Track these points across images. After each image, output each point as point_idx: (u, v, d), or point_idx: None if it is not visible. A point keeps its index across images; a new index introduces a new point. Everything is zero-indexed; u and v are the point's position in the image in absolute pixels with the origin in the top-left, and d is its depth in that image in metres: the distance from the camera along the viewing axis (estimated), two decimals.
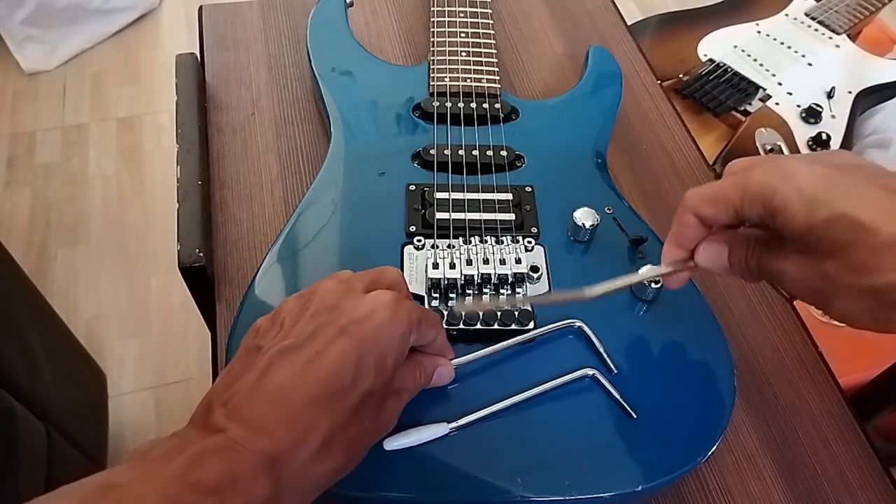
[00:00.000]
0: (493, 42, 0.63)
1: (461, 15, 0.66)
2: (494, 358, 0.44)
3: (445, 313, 0.45)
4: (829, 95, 1.08)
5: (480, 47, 0.63)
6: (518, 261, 0.46)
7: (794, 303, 0.55)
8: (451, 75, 0.60)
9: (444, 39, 0.63)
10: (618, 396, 0.42)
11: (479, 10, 0.66)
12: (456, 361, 0.42)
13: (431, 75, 0.60)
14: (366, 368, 0.33)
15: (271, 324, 0.35)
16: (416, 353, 0.39)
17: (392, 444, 0.39)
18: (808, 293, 0.33)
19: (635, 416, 0.42)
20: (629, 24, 0.77)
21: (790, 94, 1.08)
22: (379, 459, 0.39)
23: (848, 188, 0.31)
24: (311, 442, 0.31)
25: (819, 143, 1.01)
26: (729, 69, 1.11)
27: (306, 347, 0.32)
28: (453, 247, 0.48)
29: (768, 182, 0.33)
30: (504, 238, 0.48)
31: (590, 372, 0.43)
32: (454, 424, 0.40)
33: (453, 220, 0.50)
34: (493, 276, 0.46)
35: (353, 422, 0.32)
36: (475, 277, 0.46)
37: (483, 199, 0.51)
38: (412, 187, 0.52)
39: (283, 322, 0.35)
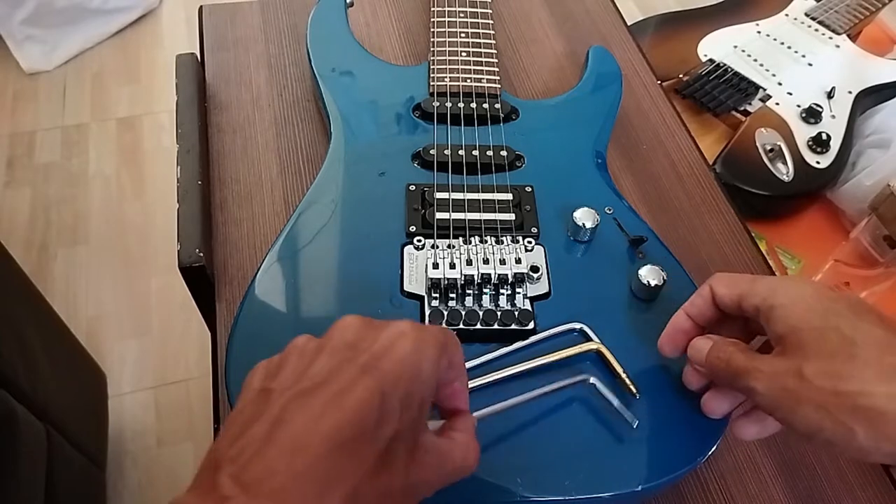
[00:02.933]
0: (493, 42, 0.63)
1: (461, 15, 0.66)
2: (495, 361, 0.44)
3: (446, 314, 0.45)
4: (830, 95, 1.08)
5: (480, 47, 0.63)
6: (518, 261, 0.46)
7: None
8: (451, 75, 0.60)
9: (444, 39, 0.63)
10: (617, 405, 0.42)
11: (479, 10, 0.66)
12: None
13: (431, 75, 0.60)
14: (391, 408, 0.29)
15: (281, 364, 0.31)
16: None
17: None
18: (776, 391, 0.34)
19: (634, 426, 0.42)
20: (629, 24, 0.77)
21: (790, 94, 1.08)
22: None
23: (843, 308, 0.35)
24: (333, 498, 0.26)
25: (819, 143, 1.01)
26: (729, 69, 1.11)
27: (325, 389, 0.28)
28: (453, 247, 0.48)
29: (776, 282, 0.38)
30: (504, 238, 0.48)
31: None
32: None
33: (453, 220, 0.50)
34: (493, 276, 0.46)
35: (382, 472, 0.28)
36: (475, 277, 0.46)
37: (483, 199, 0.51)
38: (412, 187, 0.52)
39: (296, 362, 0.31)
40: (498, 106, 0.58)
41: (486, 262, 0.46)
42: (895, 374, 0.32)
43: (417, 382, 0.30)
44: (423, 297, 0.46)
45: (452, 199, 0.51)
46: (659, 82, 0.70)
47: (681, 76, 1.10)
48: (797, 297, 0.36)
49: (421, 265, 0.48)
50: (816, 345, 0.34)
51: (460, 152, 0.54)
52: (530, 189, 0.53)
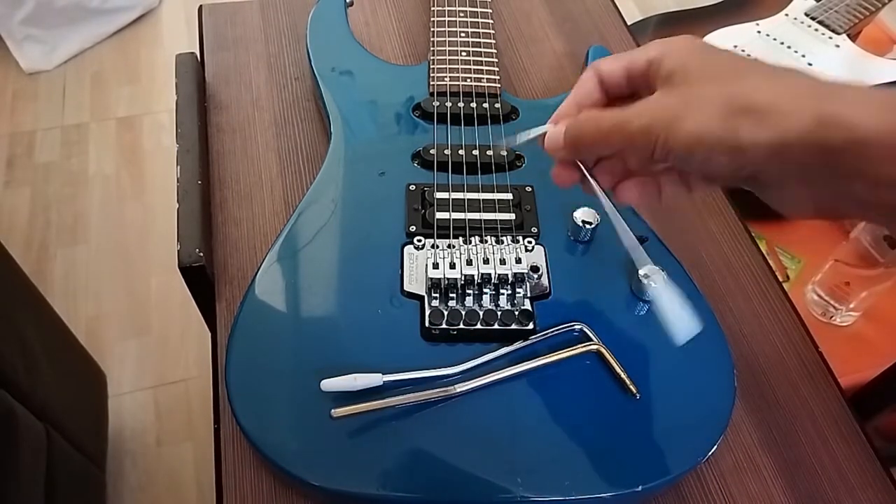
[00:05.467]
0: (493, 42, 0.63)
1: (461, 15, 0.65)
2: (495, 361, 0.44)
3: (446, 314, 0.45)
4: None
5: (480, 47, 0.63)
6: (518, 260, 0.46)
7: (794, 303, 0.55)
8: (451, 75, 0.60)
9: (444, 39, 0.63)
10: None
11: (479, 9, 0.66)
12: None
13: (431, 75, 0.60)
14: None
15: None
16: None
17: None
18: (657, 119, 0.33)
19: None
20: (629, 24, 0.77)
21: None
22: (379, 459, 0.39)
23: (727, 53, 0.34)
24: None
25: None
26: None
27: None
28: (453, 247, 0.48)
29: (662, 43, 0.36)
30: (504, 238, 0.48)
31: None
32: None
33: (453, 219, 0.50)
34: (493, 276, 0.46)
35: None
36: (475, 277, 0.46)
37: (483, 199, 0.51)
38: (412, 187, 0.52)
39: None
40: (498, 106, 0.58)
41: (486, 261, 0.46)
42: (784, 74, 0.31)
43: None
44: (423, 296, 0.46)
45: (452, 199, 0.51)
46: None
47: None
48: (687, 44, 0.35)
49: (421, 265, 0.48)
50: (705, 69, 0.33)
51: (460, 152, 0.54)
52: (530, 189, 0.53)
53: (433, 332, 0.45)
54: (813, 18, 1.20)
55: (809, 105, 0.29)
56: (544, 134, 0.39)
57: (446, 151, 0.54)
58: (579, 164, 0.38)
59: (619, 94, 0.38)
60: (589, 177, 0.38)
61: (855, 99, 0.29)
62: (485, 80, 0.60)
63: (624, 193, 0.38)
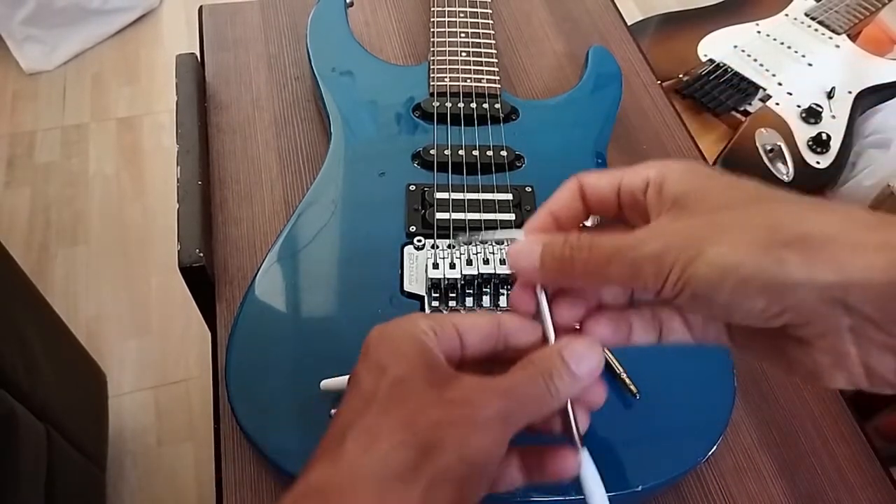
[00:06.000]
0: (493, 42, 0.63)
1: (461, 15, 0.65)
2: None
3: (446, 314, 0.45)
4: (830, 95, 1.08)
5: (480, 47, 0.63)
6: None
7: None
8: (451, 75, 0.60)
9: (444, 39, 0.63)
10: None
11: (479, 10, 0.66)
12: None
13: (431, 75, 0.60)
14: None
15: None
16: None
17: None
18: (677, 245, 0.26)
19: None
20: (629, 24, 0.77)
21: (790, 94, 1.08)
22: None
23: (733, 184, 0.29)
24: None
25: (819, 143, 1.01)
26: (729, 69, 1.11)
27: None
28: (453, 247, 0.48)
29: (661, 164, 0.30)
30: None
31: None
32: None
33: (453, 220, 0.50)
34: (493, 277, 0.46)
35: None
36: (475, 277, 0.46)
37: (483, 200, 0.51)
38: (412, 187, 0.52)
39: None
40: (498, 106, 0.58)
41: (486, 262, 0.46)
42: (824, 207, 0.26)
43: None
44: (423, 297, 0.46)
45: (452, 200, 0.51)
46: (659, 82, 0.70)
47: (681, 76, 1.10)
48: (694, 167, 0.29)
49: (421, 265, 0.48)
50: (729, 195, 0.27)
51: (460, 152, 0.54)
52: (530, 189, 0.53)
53: None
54: (813, 18, 1.20)
55: (875, 238, 0.24)
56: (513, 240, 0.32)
57: (446, 152, 0.54)
58: (539, 291, 0.31)
59: (602, 211, 0.32)
60: (545, 310, 0.31)
61: None
62: (485, 81, 0.60)
63: (595, 329, 0.31)
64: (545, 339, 0.31)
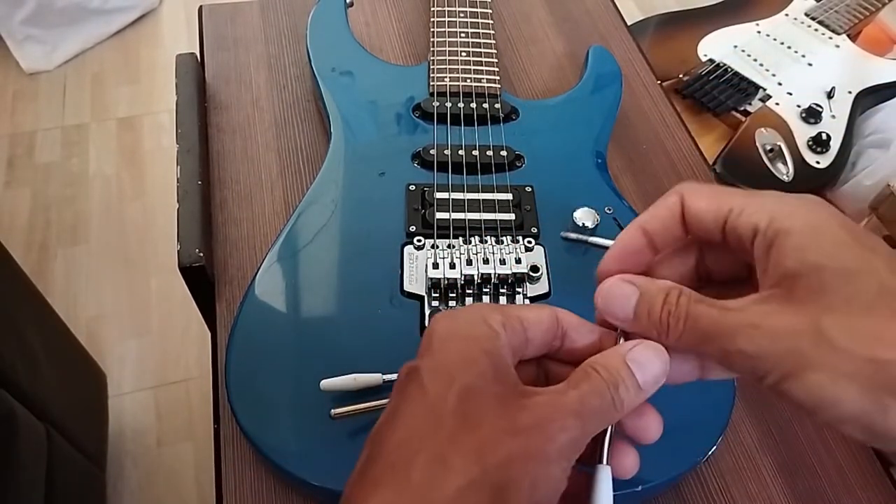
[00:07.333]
0: (493, 42, 0.63)
1: (461, 15, 0.65)
2: None
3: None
4: (829, 95, 1.08)
5: (480, 47, 0.63)
6: (518, 261, 0.46)
7: None
8: (451, 75, 0.60)
9: (444, 39, 0.63)
10: None
11: (479, 10, 0.66)
12: None
13: (431, 75, 0.60)
14: None
15: None
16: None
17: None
18: (779, 354, 0.24)
19: None
20: (629, 24, 0.77)
21: (790, 94, 1.08)
22: None
23: (879, 244, 0.25)
24: None
25: (819, 143, 1.01)
26: (729, 69, 1.11)
27: None
28: (453, 247, 0.48)
29: (785, 200, 0.27)
30: (504, 238, 0.48)
31: None
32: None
33: (453, 220, 0.50)
34: (492, 276, 0.46)
35: None
36: (475, 277, 0.46)
37: (483, 199, 0.51)
38: (412, 187, 0.52)
39: None
40: (498, 106, 0.58)
41: (486, 262, 0.46)
42: None
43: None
44: (423, 297, 0.46)
45: (452, 199, 0.51)
46: (659, 82, 0.70)
47: (681, 76, 1.10)
48: (819, 224, 0.25)
49: (421, 265, 0.48)
50: (846, 291, 0.24)
51: (460, 152, 0.54)
52: (530, 189, 0.53)
53: None
54: (813, 18, 1.20)
55: None
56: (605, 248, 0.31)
57: (446, 152, 0.54)
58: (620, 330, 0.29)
59: (704, 239, 0.29)
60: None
61: None
62: (485, 81, 0.60)
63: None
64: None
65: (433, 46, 0.63)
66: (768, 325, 0.24)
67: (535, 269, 0.47)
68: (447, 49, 0.62)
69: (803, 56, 1.14)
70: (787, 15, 1.22)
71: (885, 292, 0.24)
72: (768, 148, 1.01)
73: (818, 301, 0.24)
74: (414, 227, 0.50)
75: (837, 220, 0.26)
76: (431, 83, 0.60)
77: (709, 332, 0.26)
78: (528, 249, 0.48)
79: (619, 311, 0.28)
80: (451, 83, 0.59)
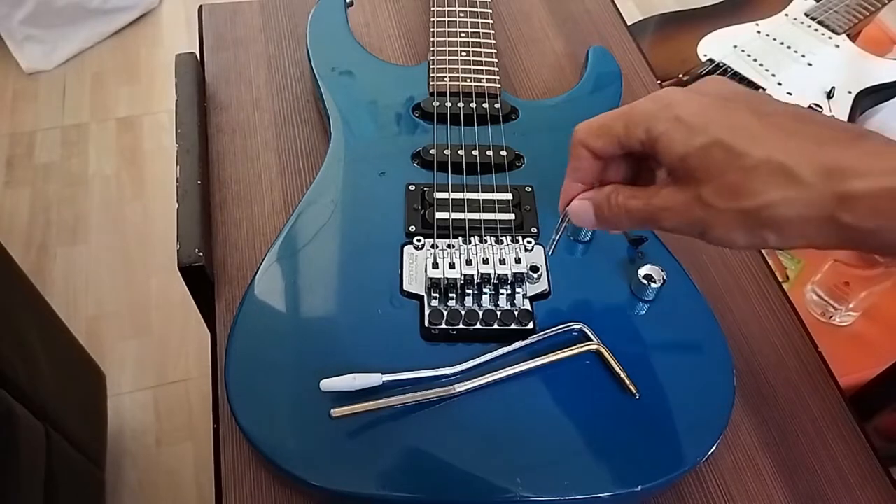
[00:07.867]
0: (493, 42, 0.63)
1: (461, 15, 0.65)
2: (495, 361, 0.44)
3: (445, 314, 0.45)
4: (829, 95, 1.08)
5: (480, 47, 0.63)
6: (518, 261, 0.46)
7: (794, 303, 0.55)
8: (451, 75, 0.60)
9: (444, 39, 0.63)
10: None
11: (479, 10, 0.66)
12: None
13: (431, 75, 0.60)
14: None
15: None
16: None
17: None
18: (687, 224, 0.34)
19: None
20: (629, 24, 0.77)
21: (790, 94, 1.08)
22: (378, 459, 0.39)
23: (722, 115, 0.33)
24: None
25: None
26: (729, 69, 1.11)
27: None
28: (453, 247, 0.48)
29: (650, 110, 0.35)
30: (504, 238, 0.48)
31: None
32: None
33: (453, 219, 0.50)
34: (492, 276, 0.46)
35: None
36: (475, 277, 0.46)
37: (483, 199, 0.51)
38: (412, 187, 0.52)
39: None
40: (498, 106, 0.58)
41: (485, 261, 0.46)
42: (784, 177, 0.30)
43: None
44: (422, 296, 0.46)
45: (452, 199, 0.51)
46: (659, 82, 0.70)
47: (681, 76, 1.10)
48: (675, 119, 0.33)
49: (420, 265, 0.48)
50: (704, 167, 0.32)
51: (460, 152, 0.54)
52: (530, 189, 0.53)
53: (433, 332, 0.45)
54: (813, 18, 1.20)
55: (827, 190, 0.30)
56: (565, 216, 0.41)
57: (446, 151, 0.54)
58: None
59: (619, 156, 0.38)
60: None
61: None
62: (485, 81, 0.60)
63: None
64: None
65: (433, 46, 0.63)
66: (673, 205, 0.34)
67: (534, 268, 0.47)
68: (447, 49, 0.62)
69: (803, 56, 1.14)
70: (786, 15, 1.22)
71: (729, 154, 0.31)
72: None
73: (692, 180, 0.33)
74: (414, 227, 0.50)
75: (691, 104, 0.33)
76: (431, 83, 0.60)
77: (644, 218, 0.36)
78: (527, 249, 0.48)
79: (585, 220, 0.40)
80: (451, 83, 0.59)
